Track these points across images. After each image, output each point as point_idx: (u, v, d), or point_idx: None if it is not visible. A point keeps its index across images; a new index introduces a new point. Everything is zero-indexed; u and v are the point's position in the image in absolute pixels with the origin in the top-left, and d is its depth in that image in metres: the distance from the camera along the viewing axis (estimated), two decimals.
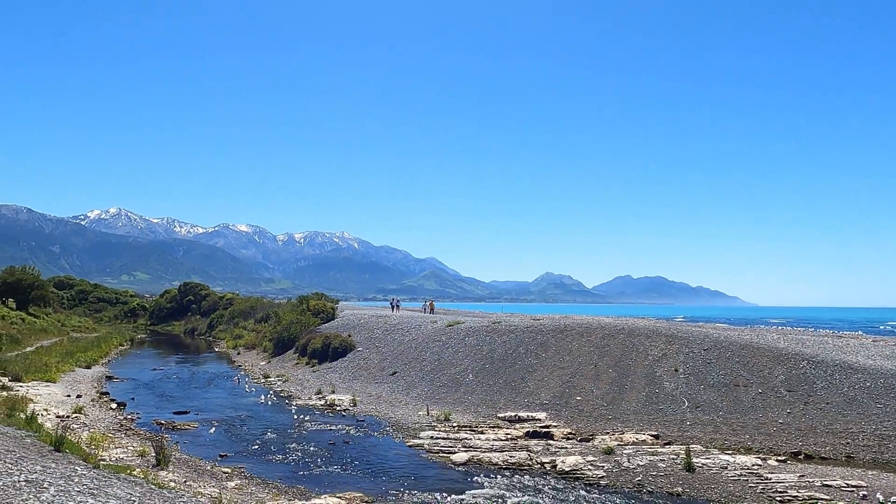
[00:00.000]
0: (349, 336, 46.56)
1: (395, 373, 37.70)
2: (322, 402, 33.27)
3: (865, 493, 18.07)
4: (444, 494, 18.26)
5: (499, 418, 27.79)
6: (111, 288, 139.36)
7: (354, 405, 32.08)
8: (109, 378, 41.91)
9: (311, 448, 23.79)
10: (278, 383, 40.58)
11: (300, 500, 16.96)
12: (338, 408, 31.82)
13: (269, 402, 34.18)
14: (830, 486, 18.69)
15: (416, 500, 17.89)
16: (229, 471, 20.16)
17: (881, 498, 17.61)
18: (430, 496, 18.16)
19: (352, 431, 26.77)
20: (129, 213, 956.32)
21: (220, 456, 22.44)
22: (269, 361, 51.48)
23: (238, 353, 61.62)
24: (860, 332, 63.93)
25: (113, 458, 18.90)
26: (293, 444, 24.33)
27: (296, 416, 29.87)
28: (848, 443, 23.66)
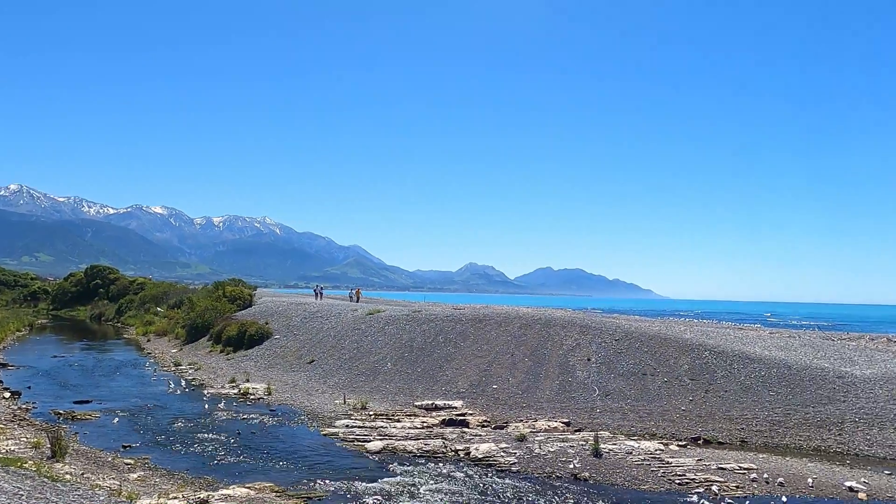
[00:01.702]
0: (266, 323, 45.51)
1: (312, 361, 37.17)
2: (236, 390, 32.40)
3: (755, 475, 19.26)
4: (358, 482, 18.17)
5: (416, 406, 27.89)
6: (9, 270, 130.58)
7: (269, 394, 31.41)
8: (3, 366, 39.30)
9: (222, 438, 23.13)
10: (190, 371, 39.22)
11: (207, 490, 16.45)
12: (252, 397, 31.08)
13: (180, 391, 32.98)
14: (725, 469, 19.81)
15: (328, 488, 17.72)
16: (132, 462, 19.33)
17: (766, 476, 18.82)
18: (342, 484, 18.03)
19: (265, 420, 26.21)
20: (31, 191, 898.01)
21: (123, 447, 21.47)
22: (182, 349, 49.67)
23: (148, 340, 59.15)
24: (759, 325, 68.01)
25: (2, 451, 17.75)
26: (203, 434, 23.58)
27: (207, 406, 28.96)
28: (743, 428, 25.15)
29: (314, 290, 69.23)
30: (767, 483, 18.75)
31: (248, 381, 34.41)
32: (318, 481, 18.30)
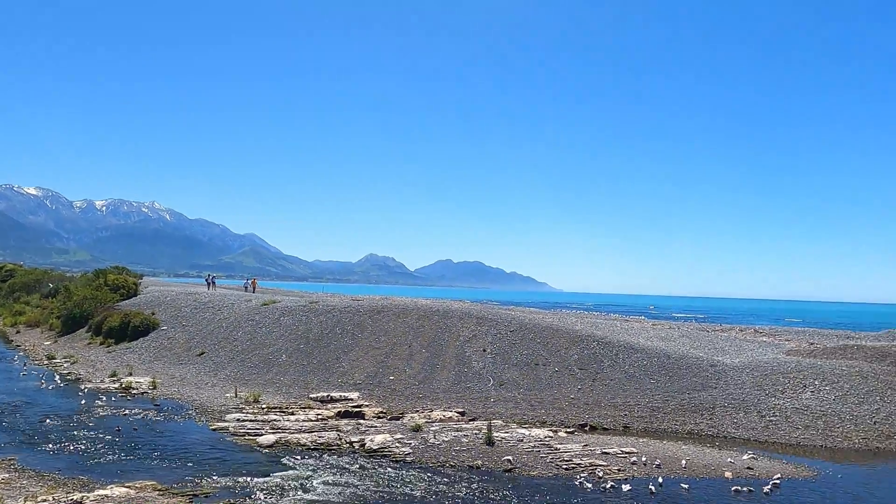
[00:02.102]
0: (153, 314, 43.20)
1: (202, 353, 35.68)
2: (117, 385, 30.57)
3: (635, 459, 20.43)
4: (248, 477, 17.66)
5: (311, 399, 27.44)
6: None
7: (154, 388, 29.87)
8: None
9: (100, 435, 21.75)
10: (65, 365, 36.59)
11: (81, 491, 15.44)
12: (135, 391, 29.43)
13: (53, 387, 30.70)
14: (608, 453, 20.87)
15: (216, 485, 17.10)
16: None
17: (644, 459, 20.02)
18: (231, 480, 17.45)
19: (149, 416, 24.90)
20: None
21: None
22: (57, 341, 46.23)
23: (18, 332, 54.66)
24: (643, 317, 72.01)
25: None
26: (78, 432, 22.07)
27: (84, 402, 27.14)
28: (626, 414, 26.59)
29: (206, 280, 66.45)
30: (646, 465, 19.93)
31: (131, 374, 32.55)
32: (206, 478, 17.62)
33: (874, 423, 25.69)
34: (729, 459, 21.06)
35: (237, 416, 24.51)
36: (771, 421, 25.87)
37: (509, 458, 20.15)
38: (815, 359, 33.60)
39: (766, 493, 18.04)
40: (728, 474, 19.48)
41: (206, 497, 16.23)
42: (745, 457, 21.68)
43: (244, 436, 22.14)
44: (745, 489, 18.17)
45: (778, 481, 18.88)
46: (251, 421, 23.77)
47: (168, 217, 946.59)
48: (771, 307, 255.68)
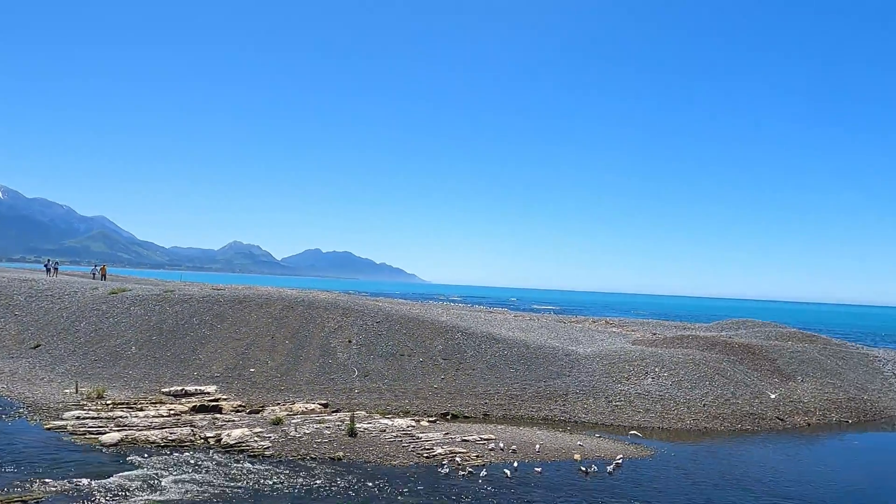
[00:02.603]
0: None
1: (38, 346, 32.47)
2: None
3: (493, 445, 21.20)
4: (87, 479, 16.33)
5: (163, 393, 25.85)
6: None
7: None
8: None
9: None
10: None
11: None
12: None
13: None
14: (468, 440, 21.49)
15: (49, 489, 15.66)
16: None
17: (502, 445, 20.84)
18: (67, 483, 16.06)
19: None
20: None
21: None
22: None
23: None
24: (506, 309, 74.77)
25: None
26: None
27: None
28: (486, 403, 27.51)
29: (45, 266, 60.52)
30: (503, 451, 20.75)
31: None
32: (37, 481, 16.07)
33: (703, 405, 28.42)
34: (579, 442, 22.42)
35: (77, 413, 22.56)
36: (617, 406, 27.85)
37: (372, 448, 20.18)
38: (657, 348, 36.60)
39: (610, 472, 19.42)
40: (577, 456, 20.74)
41: (37, 503, 14.82)
42: (593, 439, 23.20)
43: (84, 434, 20.44)
44: (592, 469, 19.44)
45: (620, 461, 20.38)
46: (93, 418, 21.99)
47: (1, 195, 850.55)
48: (622, 300, 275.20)
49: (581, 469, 19.48)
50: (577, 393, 28.68)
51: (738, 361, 34.17)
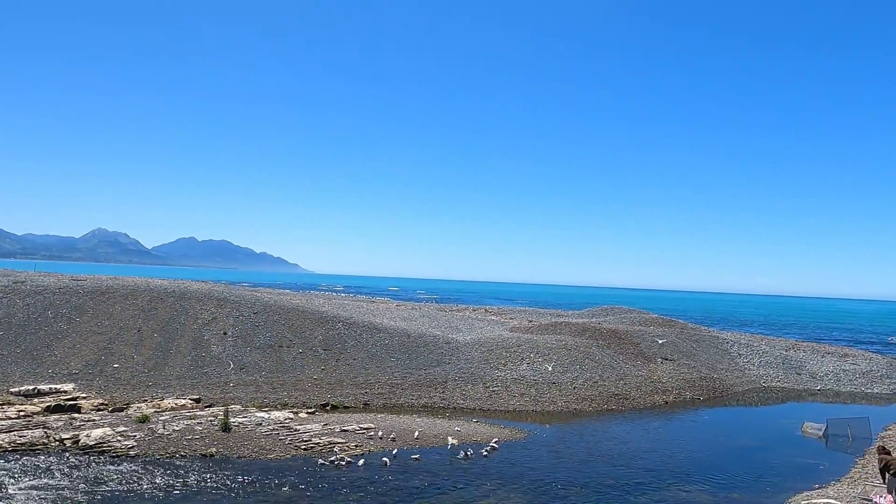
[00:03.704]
0: None
1: None
2: None
3: (373, 433, 21.25)
4: None
5: (11, 393, 23.64)
6: None
7: None
8: None
9: None
10: None
11: None
12: None
13: None
14: (347, 430, 21.40)
15: None
16: None
17: (381, 434, 20.94)
18: None
19: None
20: None
21: None
22: None
23: None
24: (388, 298, 74.94)
25: None
26: None
27: None
28: (366, 392, 27.48)
29: None
30: (382, 440, 20.85)
31: None
32: None
33: (574, 388, 30.00)
34: (456, 428, 22.97)
35: None
36: (494, 391, 28.77)
37: (246, 442, 19.59)
38: (533, 334, 38.17)
39: (485, 455, 20.06)
40: (454, 441, 21.23)
41: None
42: (470, 424, 23.85)
43: None
44: (468, 453, 19.99)
45: (496, 444, 21.10)
46: None
47: None
48: (500, 289, 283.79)
49: (458, 453, 19.98)
50: (456, 380, 29.32)
51: (605, 346, 36.36)
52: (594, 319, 49.07)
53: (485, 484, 17.60)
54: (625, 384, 31.73)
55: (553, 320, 47.37)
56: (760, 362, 40.39)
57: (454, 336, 35.28)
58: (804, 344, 49.09)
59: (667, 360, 36.68)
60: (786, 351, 44.29)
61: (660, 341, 38.79)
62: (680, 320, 52.66)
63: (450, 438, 21.39)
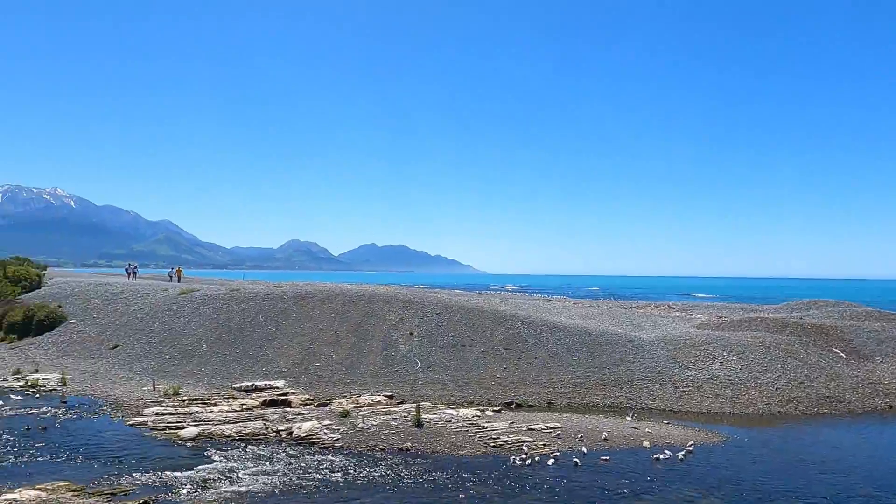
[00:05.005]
0: (59, 307, 40.79)
1: (116, 346, 34.06)
2: (21, 382, 28.76)
3: (560, 433, 21.09)
4: (170, 472, 17.07)
5: (234, 389, 26.75)
6: None
7: (64, 384, 28.30)
8: None
9: (5, 437, 20.45)
10: None
11: None
12: (43, 388, 27.79)
13: None
14: (534, 429, 21.45)
15: (136, 481, 16.44)
16: None
17: (568, 433, 20.71)
18: (152, 476, 16.83)
19: (60, 414, 23.59)
20: None
21: None
22: None
23: None
24: (564, 296, 74.06)
25: None
26: None
27: None
28: (549, 391, 27.37)
29: (126, 270, 63.37)
30: (570, 439, 20.62)
31: (37, 371, 30.69)
32: (125, 475, 16.91)
33: (776, 389, 27.53)
34: (647, 429, 22.08)
35: (156, 409, 23.59)
36: (685, 391, 27.27)
37: (438, 438, 20.38)
38: (723, 331, 35.63)
39: (681, 459, 19.06)
40: (646, 443, 20.43)
41: (125, 495, 15.59)
42: (661, 426, 22.81)
43: (164, 430, 21.36)
44: (662, 456, 19.12)
45: (692, 447, 19.97)
46: (171, 414, 22.94)
47: (73, 204, 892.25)
48: (681, 283, 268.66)
49: (653, 456, 19.19)
50: (642, 379, 28.22)
51: (810, 343, 32.96)
52: (794, 314, 44.65)
53: (682, 489, 16.71)
54: (837, 385, 28.52)
55: (746, 315, 43.81)
56: None
57: (637, 334, 33.97)
58: None
59: (888, 358, 32.37)
60: None
61: (879, 337, 34.33)
62: None
63: (641, 440, 20.62)
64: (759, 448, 20.89)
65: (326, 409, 24.10)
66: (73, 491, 15.39)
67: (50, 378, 29.06)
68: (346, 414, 22.66)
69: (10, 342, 38.01)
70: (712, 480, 17.41)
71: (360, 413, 23.01)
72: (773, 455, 20.13)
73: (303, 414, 23.27)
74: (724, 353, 30.35)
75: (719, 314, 50.84)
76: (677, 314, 51.22)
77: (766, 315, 45.03)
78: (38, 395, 26.84)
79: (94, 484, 16.14)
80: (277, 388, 26.63)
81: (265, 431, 21.16)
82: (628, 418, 23.88)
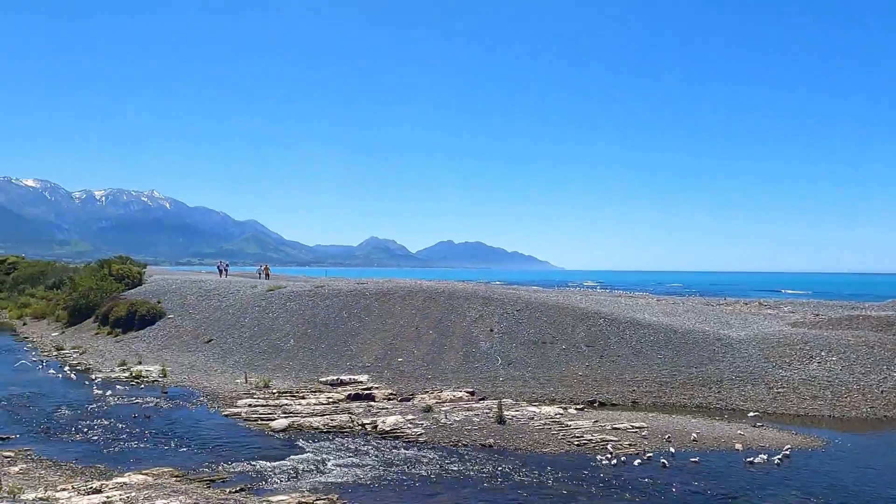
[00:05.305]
0: (158, 303, 43.32)
1: (210, 340, 35.84)
2: (127, 374, 30.75)
3: (646, 433, 20.57)
4: (263, 462, 17.82)
5: (321, 383, 27.60)
6: None
7: (164, 376, 30.05)
8: None
9: (113, 424, 21.93)
10: (74, 356, 36.78)
11: (99, 479, 15.57)
12: (146, 379, 29.62)
13: (63, 377, 30.90)
14: (619, 428, 21.01)
15: (232, 469, 17.26)
16: (12, 454, 17.96)
17: (655, 433, 20.15)
18: (247, 465, 17.61)
19: (161, 404, 25.07)
20: None
21: (1, 439, 19.91)
22: (64, 332, 46.42)
23: (24, 324, 54.88)
24: (647, 293, 72.10)
25: None
26: (91, 421, 22.24)
27: (95, 391, 27.31)
28: (634, 390, 26.74)
29: (217, 267, 66.56)
30: (656, 439, 20.07)
31: (140, 363, 32.72)
32: (222, 463, 17.78)
33: (881, 391, 25.82)
34: (739, 431, 21.21)
35: (248, 401, 24.66)
36: (779, 392, 26.01)
37: (521, 435, 20.31)
38: (821, 330, 33.69)
39: (777, 464, 18.19)
40: (738, 446, 19.62)
41: (223, 482, 16.39)
42: (754, 428, 21.84)
43: (257, 421, 22.30)
44: (756, 460, 18.32)
45: (788, 452, 19.01)
46: (263, 406, 23.92)
47: (168, 205, 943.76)
48: (767, 279, 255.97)
49: (747, 460, 18.41)
50: (732, 379, 27.11)
51: None
52: None
53: (779, 494, 15.95)
54: None
55: (846, 313, 41.25)
56: None
57: (726, 332, 32.63)
58: None
59: None
60: None
61: None
62: None
63: (734, 442, 19.82)
64: (863, 454, 19.67)
65: (409, 403, 24.48)
66: (176, 477, 16.31)
67: (151, 370, 30.90)
68: (428, 409, 22.94)
69: (116, 336, 40.69)
70: (812, 487, 16.52)
71: (443, 408, 23.23)
72: (879, 462, 18.90)
73: (386, 408, 23.73)
74: (823, 353, 28.72)
75: (815, 311, 48.14)
76: (769, 311, 48.88)
77: (870, 313, 42.27)
78: (141, 386, 28.62)
79: (194, 471, 17.06)
80: (361, 382, 27.27)
81: (351, 424, 21.71)
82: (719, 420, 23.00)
